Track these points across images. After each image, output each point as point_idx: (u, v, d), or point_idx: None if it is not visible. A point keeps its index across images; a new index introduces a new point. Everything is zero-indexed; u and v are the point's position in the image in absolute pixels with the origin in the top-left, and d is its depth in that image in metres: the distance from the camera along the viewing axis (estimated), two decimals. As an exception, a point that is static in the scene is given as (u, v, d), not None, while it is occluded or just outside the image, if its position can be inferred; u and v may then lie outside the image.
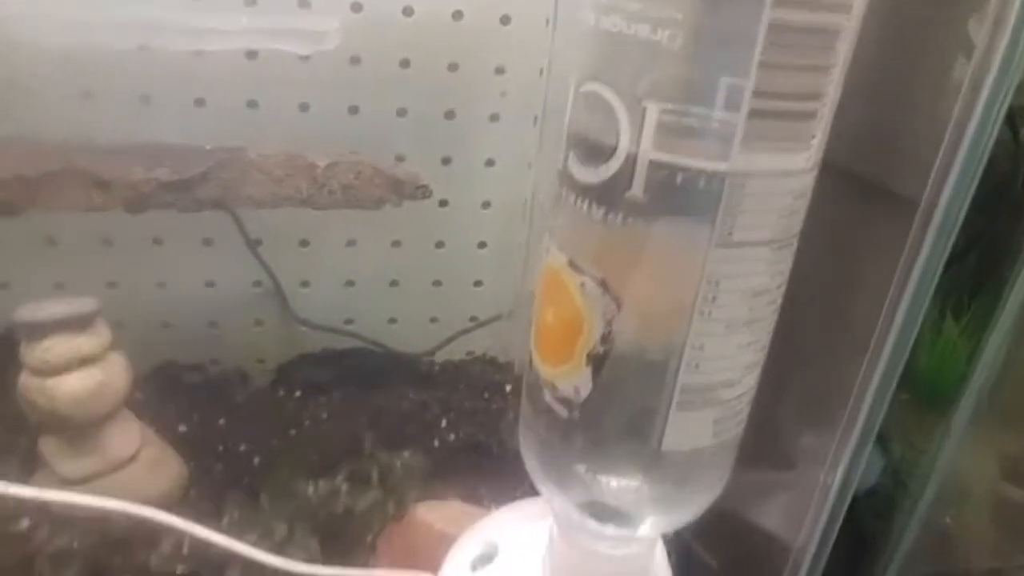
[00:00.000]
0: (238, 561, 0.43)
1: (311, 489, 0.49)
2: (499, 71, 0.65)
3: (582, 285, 0.29)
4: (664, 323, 0.28)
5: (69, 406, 0.45)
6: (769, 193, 0.26)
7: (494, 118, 0.68)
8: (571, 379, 0.31)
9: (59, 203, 0.50)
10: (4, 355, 0.59)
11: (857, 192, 0.39)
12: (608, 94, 0.26)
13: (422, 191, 0.55)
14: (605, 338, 0.29)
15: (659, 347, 0.29)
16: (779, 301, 0.30)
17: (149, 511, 0.43)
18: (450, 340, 0.73)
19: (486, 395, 0.68)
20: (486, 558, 0.40)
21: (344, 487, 0.49)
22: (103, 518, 0.46)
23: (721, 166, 0.25)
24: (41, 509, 0.46)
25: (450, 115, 0.67)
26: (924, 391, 0.45)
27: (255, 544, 0.41)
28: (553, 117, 0.67)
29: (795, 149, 0.25)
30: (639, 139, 0.25)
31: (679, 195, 0.26)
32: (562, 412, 0.31)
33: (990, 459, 0.45)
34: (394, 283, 0.74)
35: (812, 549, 0.42)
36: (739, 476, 0.35)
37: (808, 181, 0.27)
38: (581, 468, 0.33)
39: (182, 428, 0.57)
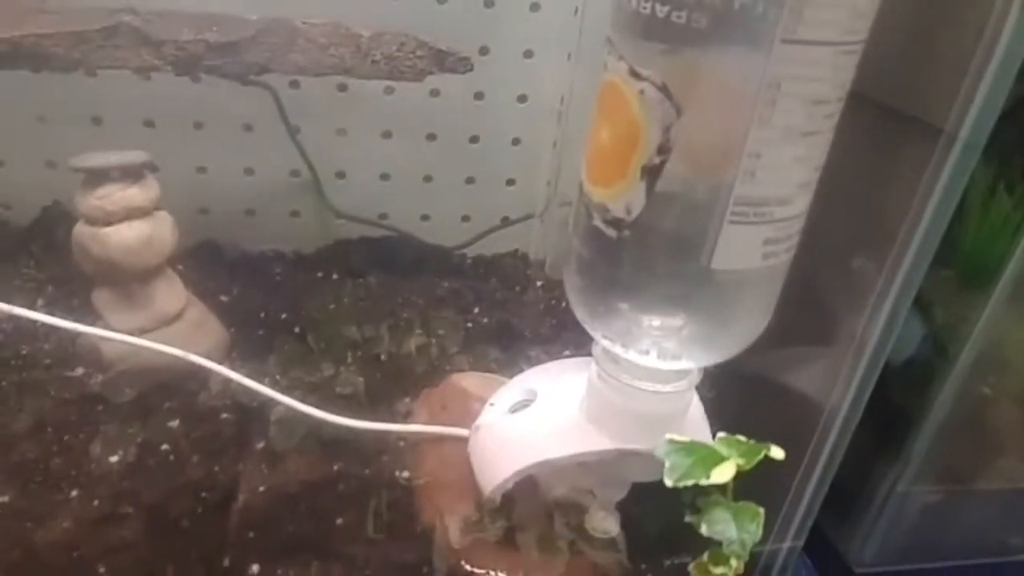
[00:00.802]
0: (281, 407, 0.45)
1: (357, 336, 0.50)
2: (541, -42, 0.64)
3: (641, 92, 0.29)
4: (723, 129, 0.28)
5: (121, 254, 0.46)
6: (837, -12, 0.26)
7: (534, 7, 0.67)
8: (624, 197, 0.31)
9: (109, 60, 0.50)
10: (54, 225, 0.61)
11: (886, 121, 0.39)
12: None
13: (464, 63, 0.55)
14: (662, 148, 0.29)
15: (716, 156, 0.29)
16: (836, 117, 0.30)
17: (198, 359, 0.44)
18: (481, 236, 0.74)
19: (517, 288, 0.68)
20: (524, 404, 0.41)
21: (388, 337, 0.50)
22: (153, 368, 0.48)
23: (789, -42, 0.25)
24: (95, 358, 0.48)
25: (489, 3, 0.66)
26: (969, 267, 0.45)
27: (303, 382, 0.42)
28: (594, 8, 0.66)
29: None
30: (708, -71, 0.25)
31: (745, -9, 0.26)
32: (612, 234, 0.32)
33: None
34: (428, 178, 0.74)
35: (844, 409, 0.42)
36: (777, 341, 0.36)
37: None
38: (628, 296, 0.33)
39: (223, 298, 0.58)
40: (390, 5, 0.65)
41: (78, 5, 0.55)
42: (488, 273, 0.70)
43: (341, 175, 0.72)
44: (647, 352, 0.35)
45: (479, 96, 0.70)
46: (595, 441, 0.37)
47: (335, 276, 0.65)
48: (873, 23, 0.28)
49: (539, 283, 0.70)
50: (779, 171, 0.29)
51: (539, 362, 0.56)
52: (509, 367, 0.56)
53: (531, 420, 0.39)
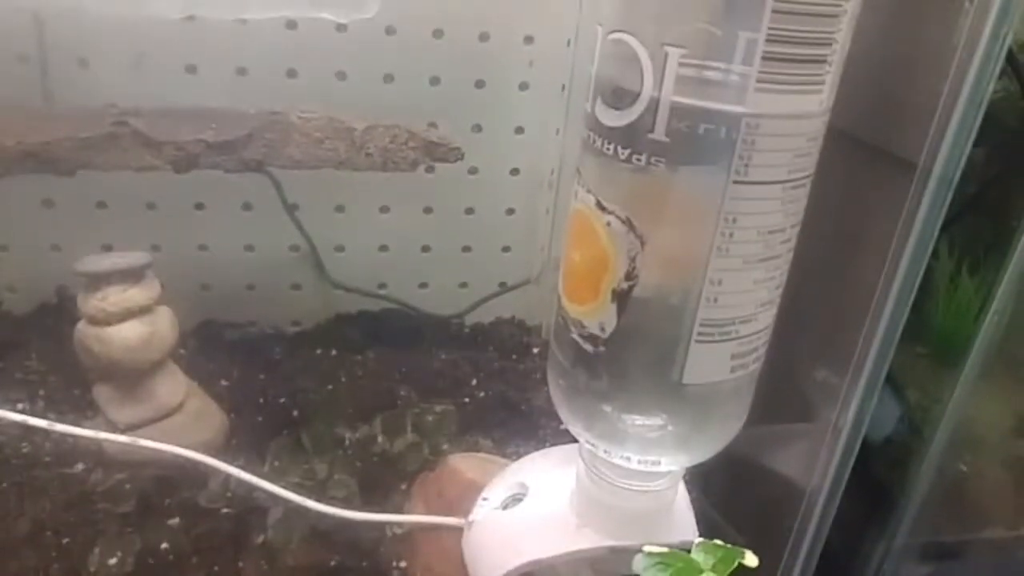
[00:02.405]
0: (280, 503, 0.46)
1: (350, 435, 0.51)
2: (528, 40, 0.67)
3: (608, 224, 0.30)
4: (685, 259, 0.30)
5: (122, 353, 0.48)
6: (783, 134, 0.27)
7: (523, 87, 0.70)
8: (597, 316, 0.32)
9: (112, 163, 0.52)
10: (58, 312, 0.63)
11: (861, 156, 0.40)
12: (633, 42, 0.27)
13: (455, 153, 0.57)
14: (629, 274, 0.31)
15: (680, 282, 0.30)
16: (793, 241, 0.31)
17: (197, 455, 0.45)
18: (479, 304, 0.75)
19: (514, 356, 0.70)
20: (516, 498, 0.43)
21: (381, 433, 0.51)
22: (152, 462, 0.49)
23: (738, 108, 0.26)
24: (95, 453, 0.50)
25: (480, 84, 0.69)
26: (939, 345, 0.46)
27: (297, 483, 0.44)
28: (580, 86, 0.69)
29: (808, 92, 0.27)
30: (661, 84, 0.27)
31: (698, 136, 0.27)
32: (588, 348, 0.33)
33: (1004, 411, 0.46)
34: (425, 248, 0.76)
35: (825, 490, 0.44)
36: (755, 423, 0.37)
37: (820, 125, 0.29)
38: (607, 402, 0.35)
39: (223, 383, 0.60)
40: (385, 88, 0.67)
41: (84, 105, 0.58)
42: (485, 341, 0.71)
43: (340, 248, 0.74)
44: (628, 457, 0.36)
45: (473, 171, 0.72)
46: (585, 539, 0.38)
47: (334, 352, 0.66)
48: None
49: (535, 350, 0.71)
50: (741, 294, 0.30)
51: (535, 438, 0.58)
52: (506, 444, 0.57)
53: (523, 517, 0.40)
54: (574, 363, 0.35)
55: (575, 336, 0.34)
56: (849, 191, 0.41)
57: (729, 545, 0.32)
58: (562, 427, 0.59)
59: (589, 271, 0.32)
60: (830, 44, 0.26)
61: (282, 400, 0.58)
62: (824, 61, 0.26)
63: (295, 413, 0.56)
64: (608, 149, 0.29)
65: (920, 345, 0.47)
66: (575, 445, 0.42)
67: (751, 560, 0.31)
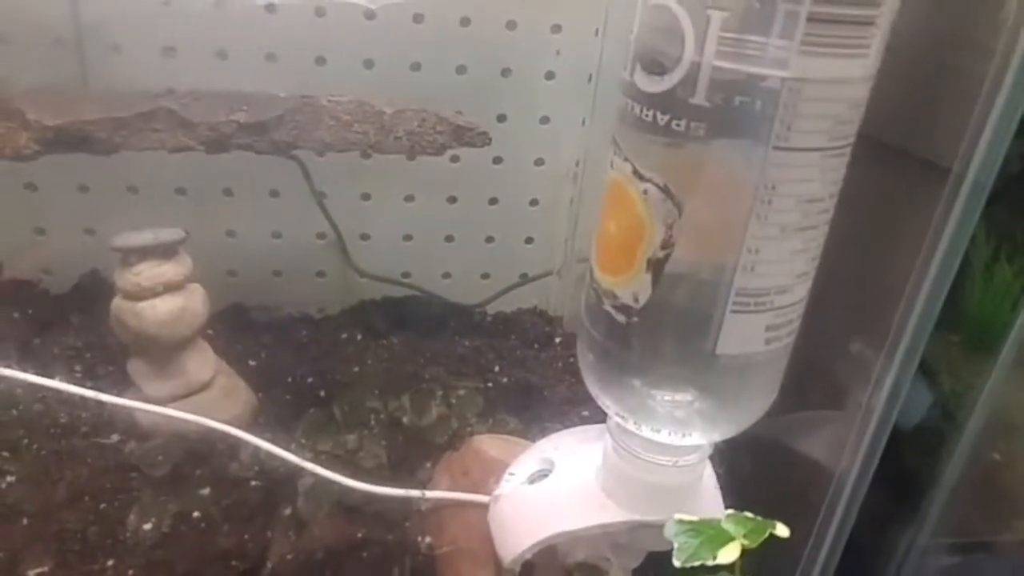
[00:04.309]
0: (307, 476, 0.46)
1: (377, 413, 0.52)
2: (555, 29, 0.67)
3: (645, 192, 0.31)
4: (722, 227, 0.30)
5: (155, 327, 0.48)
6: (826, 100, 0.28)
7: (549, 76, 0.70)
8: (631, 286, 0.33)
9: (147, 142, 0.53)
10: (92, 293, 0.64)
11: (893, 158, 0.40)
12: (674, 6, 0.28)
13: (482, 138, 0.58)
14: (665, 242, 0.31)
15: (716, 251, 0.31)
16: (830, 213, 0.31)
17: (229, 428, 0.46)
18: (502, 293, 0.76)
19: (536, 345, 0.70)
20: (542, 474, 0.43)
21: (408, 410, 0.52)
22: (184, 434, 0.50)
23: (780, 72, 0.27)
24: (129, 424, 0.50)
25: (507, 73, 0.69)
26: (974, 331, 0.46)
27: (326, 457, 0.44)
28: (608, 76, 0.69)
29: (853, 56, 0.27)
30: (702, 48, 0.27)
31: (739, 101, 0.28)
32: (621, 319, 0.34)
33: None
34: (449, 238, 0.76)
35: (853, 475, 0.43)
36: (785, 405, 0.37)
37: (864, 91, 0.29)
38: (639, 374, 0.35)
39: (251, 363, 0.60)
40: (412, 76, 0.68)
41: (119, 88, 0.59)
42: (508, 330, 0.71)
43: (365, 237, 0.75)
44: (658, 430, 0.36)
45: (498, 160, 0.73)
46: (611, 513, 0.38)
47: (359, 337, 0.67)
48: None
49: (557, 339, 0.71)
50: (777, 264, 0.30)
51: (557, 423, 0.58)
52: (529, 428, 0.57)
53: (550, 491, 0.40)
54: (606, 335, 0.35)
55: (607, 308, 0.34)
56: (883, 191, 0.41)
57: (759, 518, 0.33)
58: (584, 413, 0.60)
59: (624, 241, 0.33)
60: (878, 5, 0.26)
61: (310, 380, 0.58)
62: (871, 23, 0.27)
63: (322, 393, 0.57)
64: (647, 116, 0.30)
65: (953, 333, 0.47)
66: (601, 425, 0.42)
67: (782, 531, 0.31)
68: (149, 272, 0.48)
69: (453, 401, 0.55)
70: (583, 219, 0.75)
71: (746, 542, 0.30)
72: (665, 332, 0.33)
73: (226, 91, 0.58)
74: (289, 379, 0.58)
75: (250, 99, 0.57)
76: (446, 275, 0.77)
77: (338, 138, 0.56)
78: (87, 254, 0.69)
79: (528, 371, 0.64)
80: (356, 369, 0.60)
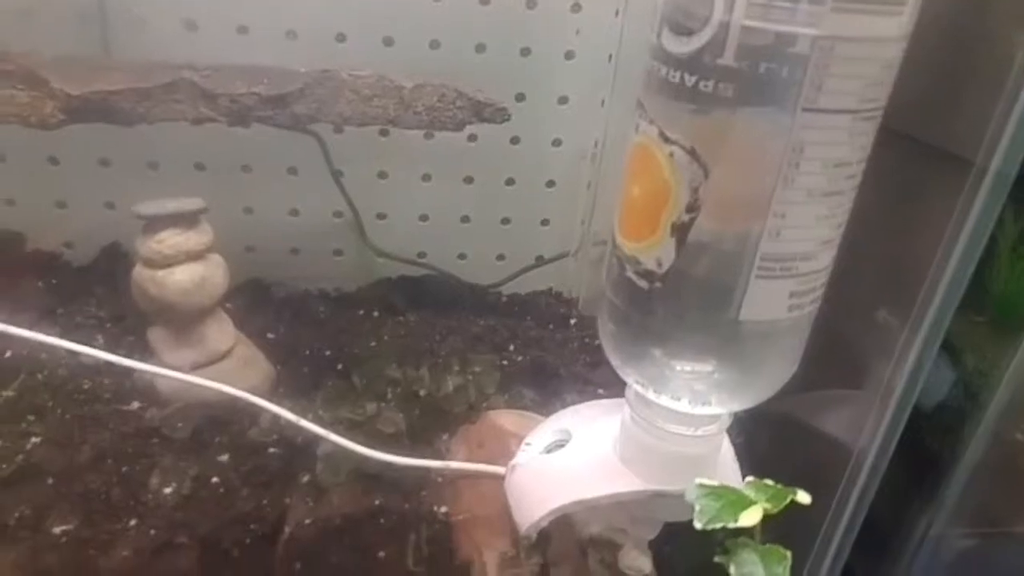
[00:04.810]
0: (326, 444, 0.46)
1: (394, 385, 0.52)
2: (576, 8, 0.67)
3: (671, 155, 0.31)
4: (748, 190, 0.30)
5: (176, 295, 0.49)
6: (858, 59, 0.27)
7: (569, 56, 0.70)
8: (655, 251, 0.33)
9: (169, 114, 0.53)
10: (113, 265, 0.64)
11: (915, 157, 0.40)
12: (705, -36, 0.28)
13: (501, 113, 0.58)
14: (691, 206, 0.31)
15: (742, 215, 0.30)
16: (857, 179, 0.31)
17: (249, 395, 0.46)
18: (518, 274, 0.76)
19: (551, 326, 0.70)
20: (559, 444, 0.43)
21: (426, 382, 0.52)
22: (203, 402, 0.50)
23: (811, 30, 0.26)
24: (150, 392, 0.51)
25: (526, 52, 0.69)
26: (999, 311, 0.46)
27: (345, 426, 0.44)
28: (628, 56, 0.69)
29: (888, 14, 0.27)
30: (732, 6, 0.27)
31: (768, 61, 0.27)
32: (644, 285, 0.34)
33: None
34: (465, 219, 0.76)
35: (873, 452, 0.43)
36: (805, 380, 0.37)
37: (897, 52, 0.28)
38: (660, 341, 0.35)
39: (270, 336, 0.61)
40: (431, 54, 0.68)
41: (142, 60, 0.59)
42: (523, 311, 0.71)
43: (382, 216, 0.75)
44: (678, 398, 0.36)
45: (515, 140, 0.73)
46: (628, 482, 0.38)
47: (376, 314, 0.67)
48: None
49: (572, 321, 0.71)
50: (803, 229, 0.30)
51: (573, 400, 0.58)
52: (544, 404, 0.57)
53: (566, 460, 0.41)
54: (628, 303, 0.35)
55: (630, 274, 0.34)
56: (910, 174, 0.41)
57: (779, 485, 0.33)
58: (599, 392, 0.60)
59: (649, 205, 0.33)
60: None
61: (327, 353, 0.58)
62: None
63: (340, 366, 0.57)
64: (674, 78, 0.30)
65: (977, 313, 0.46)
66: (618, 399, 0.42)
67: (804, 498, 0.31)
68: (171, 240, 0.48)
69: (470, 376, 0.55)
70: (601, 201, 0.75)
71: (768, 506, 0.30)
72: (688, 298, 0.33)
73: (247, 65, 0.59)
74: (307, 352, 0.58)
75: (270, 73, 0.57)
76: (461, 256, 0.77)
77: (358, 112, 0.56)
78: (108, 227, 0.70)
79: (543, 350, 0.64)
80: (373, 344, 0.61)
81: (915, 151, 0.40)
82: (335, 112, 0.56)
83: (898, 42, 0.28)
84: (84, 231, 0.70)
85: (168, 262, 0.48)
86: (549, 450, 0.42)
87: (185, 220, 0.49)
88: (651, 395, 0.37)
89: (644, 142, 0.32)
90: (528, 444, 0.43)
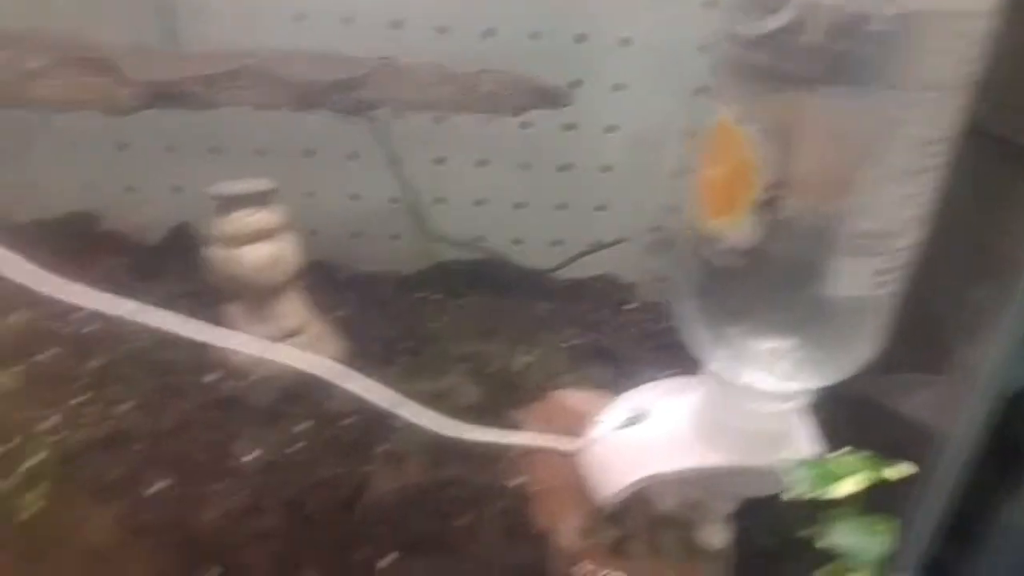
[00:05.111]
0: (401, 417, 0.47)
1: (464, 362, 0.53)
2: (634, -6, 0.67)
3: (752, 134, 0.31)
4: (834, 168, 0.30)
5: (251, 272, 0.50)
6: (945, 35, 0.27)
7: (626, 43, 0.70)
8: (737, 229, 0.33)
9: (236, 99, 0.55)
10: (183, 244, 0.66)
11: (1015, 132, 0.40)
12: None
13: (562, 98, 0.58)
14: (774, 184, 0.31)
15: (828, 191, 0.31)
16: (944, 157, 0.31)
17: (327, 366, 0.47)
18: (575, 259, 0.76)
19: (609, 310, 0.70)
20: (633, 421, 0.43)
21: (494, 360, 0.53)
22: (278, 376, 0.51)
23: (898, 7, 0.27)
24: (225, 364, 0.52)
25: (581, 38, 0.70)
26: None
27: (419, 401, 0.45)
28: (685, 42, 0.69)
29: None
30: (822, -17, 0.27)
31: (853, 38, 0.27)
32: (726, 264, 0.34)
33: None
34: (521, 204, 0.77)
35: (960, 438, 0.43)
36: (888, 361, 0.37)
37: (984, 26, 0.28)
38: (742, 320, 0.35)
39: (337, 314, 0.62)
40: (486, 42, 0.69)
41: (208, 47, 0.61)
42: (580, 296, 0.72)
43: (439, 201, 0.76)
44: (760, 374, 0.36)
45: (570, 127, 0.73)
46: (709, 457, 0.39)
47: (436, 296, 0.68)
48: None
49: (631, 306, 0.72)
50: (890, 207, 0.31)
51: (638, 382, 0.59)
52: (608, 385, 0.58)
53: (646, 435, 0.41)
54: (709, 281, 0.36)
55: (711, 253, 0.35)
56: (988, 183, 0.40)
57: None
58: (661, 374, 0.60)
59: (730, 183, 0.33)
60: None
61: (394, 333, 0.60)
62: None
63: (406, 345, 0.58)
64: (754, 58, 0.30)
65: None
66: (689, 378, 0.43)
67: (906, 469, 0.31)
68: (245, 219, 0.50)
69: (535, 356, 0.56)
70: (657, 187, 0.75)
71: (870, 475, 0.30)
72: (771, 275, 0.33)
73: (308, 52, 0.60)
74: (374, 331, 0.60)
75: (332, 59, 0.58)
76: (517, 241, 0.78)
77: (419, 98, 0.58)
78: (175, 209, 0.72)
79: (603, 334, 0.65)
80: (437, 325, 0.62)
81: (1012, 128, 0.40)
82: (397, 98, 0.57)
83: (985, 17, 0.28)
84: (152, 214, 0.72)
85: (241, 241, 0.50)
86: (623, 426, 0.43)
87: (256, 200, 0.51)
88: (733, 372, 0.37)
89: (724, 122, 0.33)
90: (602, 421, 0.44)
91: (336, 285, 0.66)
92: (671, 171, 0.75)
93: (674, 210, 0.77)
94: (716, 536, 0.42)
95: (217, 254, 0.51)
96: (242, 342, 0.46)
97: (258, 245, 0.51)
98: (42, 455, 0.42)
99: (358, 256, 0.76)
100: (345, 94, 0.56)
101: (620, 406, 0.45)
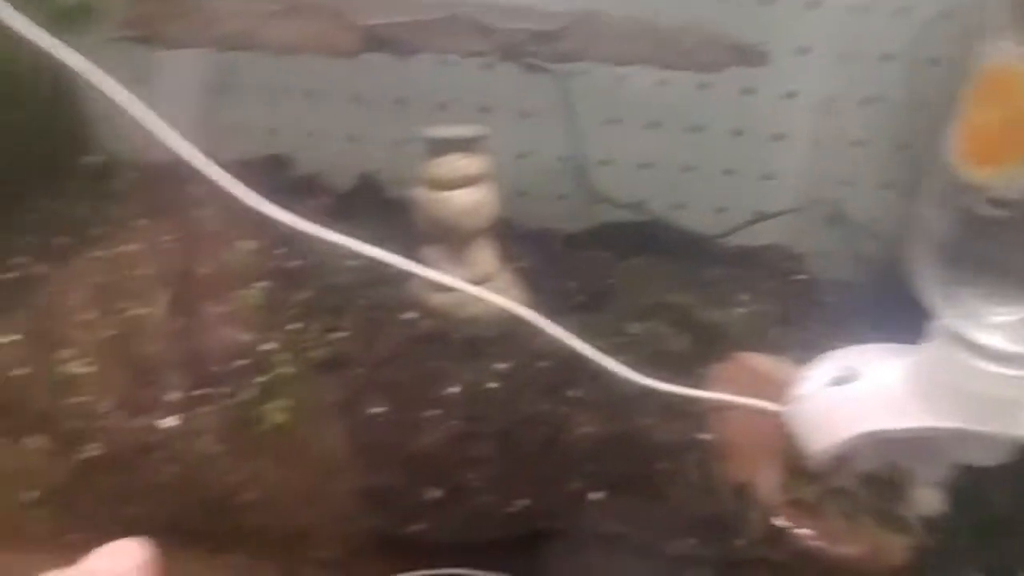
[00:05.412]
0: (591, 365, 0.48)
1: (643, 320, 0.54)
2: (824, -46, 0.65)
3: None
4: None
5: (458, 216, 0.52)
6: None
7: (812, 5, 0.68)
8: (1011, 178, 0.32)
9: (446, 46, 0.57)
10: (367, 192, 0.69)
11: None
12: None
13: (761, 57, 0.57)
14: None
15: None
16: None
17: (527, 311, 0.49)
18: (744, 226, 0.75)
19: (780, 279, 0.69)
20: (844, 380, 0.43)
21: (668, 310, 0.54)
22: (471, 320, 0.54)
23: None
24: (423, 305, 0.55)
25: (767, 0, 0.68)
26: None
27: (609, 351, 0.46)
28: (877, 8, 0.67)
29: None
30: None
31: None
32: (992, 214, 0.33)
33: None
34: (687, 168, 0.77)
35: None
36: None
37: None
38: (997, 275, 0.34)
39: (517, 266, 0.64)
40: (676, 2, 0.68)
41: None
42: (750, 263, 0.71)
43: (605, 162, 0.76)
44: (997, 335, 0.35)
45: (748, 91, 0.72)
46: (931, 418, 0.38)
47: (604, 255, 0.69)
48: None
49: (802, 276, 0.70)
50: None
51: (815, 350, 0.58)
52: (789, 350, 0.57)
53: (860, 393, 0.41)
54: (962, 233, 0.35)
55: (973, 204, 0.34)
56: None
57: None
58: (841, 345, 0.59)
59: (1005, 130, 0.32)
60: None
61: (572, 285, 0.61)
62: None
63: (584, 298, 0.59)
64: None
65: None
66: (901, 345, 0.42)
67: None
68: (455, 164, 0.52)
69: (713, 311, 0.56)
70: (834, 157, 0.73)
71: None
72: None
73: (511, 4, 0.61)
74: (552, 283, 0.61)
75: (535, 12, 0.59)
76: (680, 205, 0.78)
77: (618, 52, 0.58)
78: (356, 158, 0.75)
79: (777, 302, 0.64)
80: (611, 282, 0.62)
81: None
82: (598, 51, 0.58)
83: None
84: (333, 161, 0.76)
85: (452, 184, 0.52)
86: (834, 384, 0.42)
87: (468, 145, 0.53)
88: (968, 331, 0.36)
89: (1001, 64, 0.31)
90: (807, 379, 0.44)
91: (508, 240, 0.68)
92: (851, 140, 0.73)
93: (848, 182, 0.75)
94: (927, 502, 0.41)
95: (426, 196, 0.53)
96: (454, 281, 0.47)
97: (465, 190, 0.52)
98: (274, 372, 0.46)
99: (522, 213, 0.77)
100: (549, 45, 0.57)
101: (826, 365, 0.44)
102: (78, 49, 0.49)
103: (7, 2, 0.48)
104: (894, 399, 0.40)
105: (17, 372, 0.46)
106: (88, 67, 0.47)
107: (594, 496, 0.42)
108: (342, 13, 0.55)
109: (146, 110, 0.47)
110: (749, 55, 0.58)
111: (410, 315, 0.54)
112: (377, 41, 0.56)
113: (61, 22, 0.52)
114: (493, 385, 0.48)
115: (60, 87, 0.61)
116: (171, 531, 0.22)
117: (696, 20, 0.66)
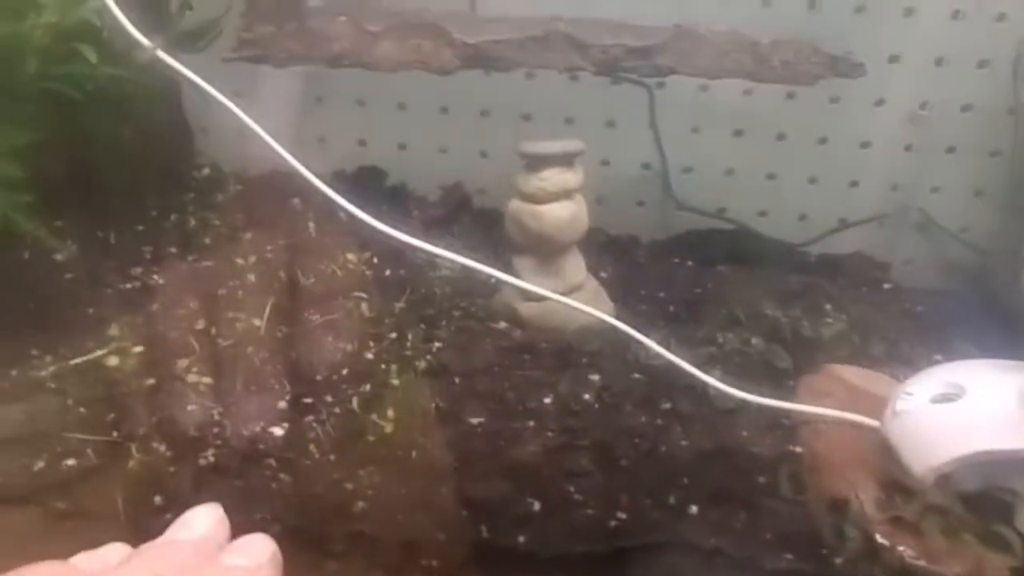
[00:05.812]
0: (683, 377, 0.49)
1: (737, 330, 0.54)
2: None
3: None
4: None
5: (553, 228, 0.54)
6: None
7: (908, 12, 0.67)
8: None
9: (544, 62, 0.58)
10: (458, 202, 0.71)
11: None
12: None
13: (857, 68, 0.57)
14: None
15: None
16: None
17: (619, 323, 0.50)
18: (828, 234, 0.75)
19: (864, 289, 0.69)
20: (949, 397, 0.43)
21: (758, 321, 0.54)
22: (559, 329, 0.55)
23: None
24: (513, 315, 0.56)
25: (860, 9, 0.68)
26: None
27: (700, 364, 0.47)
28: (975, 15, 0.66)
29: None
30: None
31: None
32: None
33: None
34: (771, 175, 0.76)
35: None
36: None
37: None
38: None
39: (601, 275, 0.65)
40: (762, 12, 0.68)
41: (512, 14, 0.64)
42: (834, 271, 0.71)
43: (688, 170, 0.77)
44: None
45: (834, 100, 0.72)
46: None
47: (689, 263, 0.69)
48: None
49: (886, 286, 0.70)
50: None
51: (906, 361, 0.57)
52: (876, 364, 0.57)
53: (968, 411, 0.41)
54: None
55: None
56: None
57: None
58: (936, 357, 0.58)
59: None
60: None
61: (660, 295, 0.62)
62: None
63: (672, 308, 0.60)
64: None
65: None
66: (1012, 361, 0.41)
67: None
68: (553, 178, 0.53)
69: (801, 322, 0.56)
70: (920, 166, 0.72)
71: None
72: None
73: (605, 19, 0.62)
74: (641, 292, 0.62)
75: (630, 27, 0.60)
76: (762, 213, 0.78)
77: (715, 65, 0.58)
78: (441, 167, 0.77)
79: (863, 312, 0.64)
80: (699, 290, 0.63)
81: None
82: (695, 65, 0.58)
83: None
84: (423, 171, 0.78)
85: (548, 198, 0.53)
86: (936, 401, 0.42)
87: (565, 160, 0.54)
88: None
89: None
90: (908, 394, 0.44)
91: (591, 248, 0.69)
92: (942, 147, 0.72)
93: (937, 189, 0.74)
94: (1035, 526, 0.40)
95: (521, 209, 0.55)
96: (548, 292, 0.49)
97: (561, 203, 0.54)
98: (379, 382, 0.48)
99: (602, 221, 0.78)
100: (645, 60, 0.58)
101: (928, 381, 0.44)
102: (188, 66, 0.53)
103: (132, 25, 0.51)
104: (1006, 418, 0.40)
105: (145, 381, 0.48)
106: (203, 83, 0.50)
107: (691, 509, 0.43)
108: (445, 32, 0.57)
109: (254, 124, 0.51)
110: (845, 67, 0.58)
111: (502, 325, 0.55)
112: (477, 58, 0.58)
113: (184, 43, 0.56)
114: (587, 396, 0.49)
115: (173, 103, 0.65)
116: (281, 537, 0.23)
117: (790, 32, 0.67)
